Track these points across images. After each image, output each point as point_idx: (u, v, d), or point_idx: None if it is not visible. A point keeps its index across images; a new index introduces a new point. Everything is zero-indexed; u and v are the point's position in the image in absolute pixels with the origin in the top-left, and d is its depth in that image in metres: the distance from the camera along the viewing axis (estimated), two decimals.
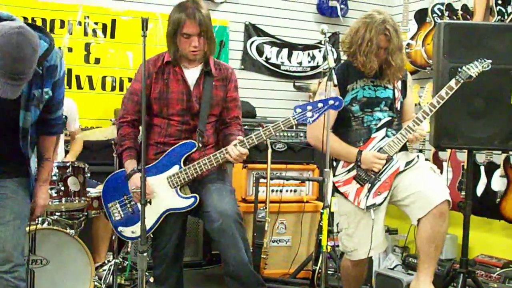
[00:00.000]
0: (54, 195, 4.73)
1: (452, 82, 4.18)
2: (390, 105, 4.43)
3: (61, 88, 3.64)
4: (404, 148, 4.40)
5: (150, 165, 4.19)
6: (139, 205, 4.12)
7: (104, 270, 5.41)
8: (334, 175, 4.41)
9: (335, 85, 3.91)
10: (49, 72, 3.43)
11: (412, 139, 4.32)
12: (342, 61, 4.50)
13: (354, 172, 4.33)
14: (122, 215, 4.33)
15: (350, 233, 4.40)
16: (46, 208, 4.53)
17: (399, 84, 4.48)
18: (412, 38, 6.68)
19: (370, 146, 4.33)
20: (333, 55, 7.49)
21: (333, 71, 3.90)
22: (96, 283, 4.89)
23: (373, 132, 4.38)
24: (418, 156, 4.43)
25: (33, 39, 3.05)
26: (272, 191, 5.92)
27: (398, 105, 4.47)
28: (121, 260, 5.60)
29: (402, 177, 4.29)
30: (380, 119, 4.39)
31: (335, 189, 4.38)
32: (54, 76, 3.48)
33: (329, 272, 5.46)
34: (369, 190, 4.29)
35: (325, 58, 7.52)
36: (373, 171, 4.26)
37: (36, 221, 4.52)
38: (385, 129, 4.37)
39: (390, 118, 4.41)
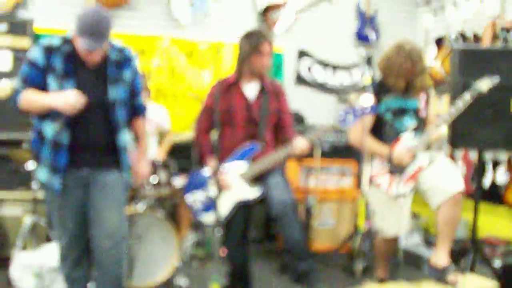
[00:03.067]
0: (147, 185, 4.83)
1: (467, 95, 4.23)
2: (416, 113, 4.46)
3: (138, 77, 3.70)
4: (427, 148, 4.43)
5: (223, 165, 4.23)
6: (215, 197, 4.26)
7: (186, 244, 5.55)
8: (370, 169, 4.49)
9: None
10: (127, 60, 3.56)
11: (433, 140, 4.38)
12: (378, 79, 4.55)
13: (386, 167, 4.38)
14: (202, 205, 4.37)
15: (381, 216, 4.46)
16: (142, 194, 4.69)
17: (423, 96, 4.50)
18: (432, 59, 6.68)
19: (399, 145, 4.36)
20: (368, 74, 7.49)
21: (368, 87, 4.02)
22: (180, 254, 4.88)
23: (402, 135, 4.42)
24: (438, 154, 4.47)
25: (106, 12, 3.28)
26: (319, 182, 6.01)
27: (423, 113, 4.49)
28: (199, 237, 5.75)
29: (425, 171, 4.31)
30: (407, 124, 4.42)
31: (371, 180, 4.46)
32: (131, 63, 3.59)
33: (365, 248, 5.52)
34: (399, 182, 4.33)
35: (362, 76, 7.61)
36: (402, 166, 4.32)
37: (133, 206, 4.64)
38: (412, 132, 4.41)
39: (416, 124, 4.44)
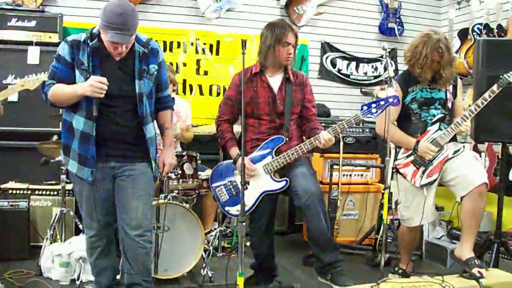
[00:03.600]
0: (173, 177, 4.84)
1: (495, 87, 4.16)
2: (442, 104, 4.43)
3: (164, 70, 3.72)
4: (453, 139, 4.40)
5: (248, 156, 4.23)
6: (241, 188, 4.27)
7: (211, 236, 5.52)
8: (396, 159, 4.46)
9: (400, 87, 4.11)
10: (153, 53, 3.57)
11: (459, 132, 4.34)
12: (403, 70, 4.51)
13: (412, 157, 4.36)
14: (228, 197, 4.36)
15: (407, 206, 4.43)
16: (168, 185, 4.70)
17: (450, 87, 4.48)
18: (456, 52, 6.56)
19: (426, 137, 4.34)
20: (392, 66, 7.44)
21: (392, 79, 3.99)
22: (205, 245, 4.92)
23: (429, 125, 4.40)
24: (464, 146, 4.45)
25: (132, 5, 3.30)
26: (343, 175, 5.96)
27: (449, 104, 4.47)
28: (224, 228, 5.75)
29: (450, 162, 4.30)
30: (434, 115, 4.41)
31: (396, 170, 4.45)
32: (157, 56, 3.60)
33: (388, 240, 5.49)
34: (423, 172, 4.32)
35: (385, 69, 7.55)
36: (426, 158, 4.29)
37: (160, 197, 4.64)
38: (438, 123, 4.39)
39: (442, 114, 4.42)
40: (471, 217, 4.14)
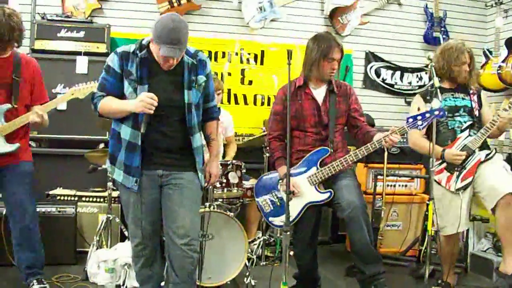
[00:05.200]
0: (218, 186, 4.84)
1: None
2: (468, 111, 4.51)
3: (211, 82, 3.75)
4: (484, 145, 4.45)
5: (293, 169, 4.22)
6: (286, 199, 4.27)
7: (255, 244, 5.55)
8: (431, 166, 4.41)
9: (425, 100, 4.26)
10: (201, 64, 3.60)
11: (495, 133, 4.42)
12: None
13: (444, 164, 4.41)
14: (272, 208, 4.39)
15: (441, 213, 4.40)
16: (213, 193, 4.72)
17: (475, 97, 4.55)
18: (503, 61, 6.47)
19: (457, 144, 4.43)
20: (436, 76, 7.34)
21: (437, 90, 3.97)
22: (249, 254, 4.90)
23: (458, 133, 4.47)
24: (496, 150, 4.51)
25: (183, 20, 3.33)
26: (387, 185, 5.91)
27: (476, 113, 4.52)
28: (268, 237, 5.76)
29: (482, 167, 4.35)
30: (461, 122, 4.48)
31: (431, 178, 4.41)
32: (205, 67, 3.63)
33: (432, 251, 5.40)
34: (457, 177, 4.37)
35: (430, 79, 7.44)
36: (456, 164, 4.36)
37: (205, 205, 4.64)
38: (468, 130, 4.46)
39: (471, 122, 4.48)
40: (506, 229, 4.11)
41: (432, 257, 4.35)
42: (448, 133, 4.47)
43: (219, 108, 3.98)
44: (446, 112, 4.36)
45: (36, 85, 4.31)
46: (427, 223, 4.03)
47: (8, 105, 4.13)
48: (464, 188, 4.35)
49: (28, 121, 4.16)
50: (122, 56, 3.46)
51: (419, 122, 3.93)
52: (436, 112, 3.90)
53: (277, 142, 4.42)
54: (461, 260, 5.26)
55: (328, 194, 4.18)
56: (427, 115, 3.92)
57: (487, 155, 4.39)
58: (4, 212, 4.81)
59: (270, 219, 4.41)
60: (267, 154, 5.41)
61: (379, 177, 5.75)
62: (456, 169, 4.39)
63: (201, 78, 3.60)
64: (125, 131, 3.47)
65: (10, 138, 4.17)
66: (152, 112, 3.31)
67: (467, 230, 5.49)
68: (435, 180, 4.45)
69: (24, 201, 4.24)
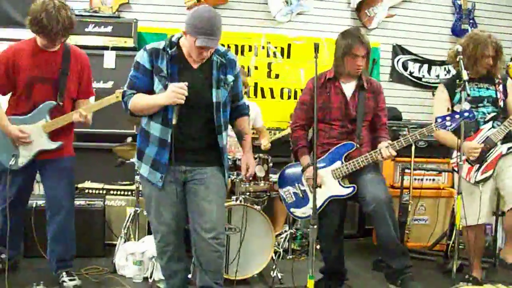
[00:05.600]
0: (245, 179, 4.81)
1: None
2: (492, 102, 4.47)
3: (240, 81, 3.76)
4: (508, 137, 4.41)
5: (318, 161, 4.20)
6: (308, 192, 4.25)
7: (282, 238, 5.55)
8: (451, 158, 4.59)
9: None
10: (230, 63, 3.60)
11: None
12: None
13: (465, 156, 4.35)
14: (294, 199, 4.39)
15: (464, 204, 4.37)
16: (240, 187, 4.76)
17: (500, 87, 4.50)
18: None
19: (479, 136, 4.42)
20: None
21: (466, 83, 3.93)
22: (275, 247, 4.89)
23: (481, 124, 4.45)
24: None
25: (217, 12, 3.40)
26: (415, 179, 5.86)
27: (501, 103, 4.48)
28: (294, 230, 5.77)
29: (503, 161, 4.37)
30: (484, 113, 4.46)
31: (452, 169, 4.58)
32: (233, 67, 3.63)
33: (460, 246, 5.36)
34: (478, 169, 4.39)
35: (458, 72, 7.37)
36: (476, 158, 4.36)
37: (231, 198, 4.70)
38: (491, 122, 4.43)
39: (494, 113, 4.45)
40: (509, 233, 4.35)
41: (459, 251, 4.32)
42: (470, 124, 4.37)
43: (248, 105, 3.99)
44: (470, 103, 4.32)
45: (84, 79, 4.37)
46: (455, 217, 4.00)
47: (53, 103, 4.18)
48: (484, 180, 4.37)
49: (71, 120, 4.23)
50: (152, 52, 3.46)
51: (448, 123, 3.93)
52: (466, 114, 3.90)
53: (301, 131, 4.42)
54: (490, 256, 5.20)
55: (352, 189, 4.18)
56: (457, 116, 3.92)
57: (509, 148, 4.38)
58: (34, 205, 4.90)
59: (292, 210, 4.43)
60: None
61: (406, 171, 5.71)
62: (477, 161, 4.38)
63: (230, 78, 3.60)
64: (155, 128, 3.48)
65: (53, 135, 4.24)
66: (183, 102, 3.31)
67: (496, 225, 5.43)
68: (456, 171, 4.45)
69: (62, 196, 4.31)
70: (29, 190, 4.48)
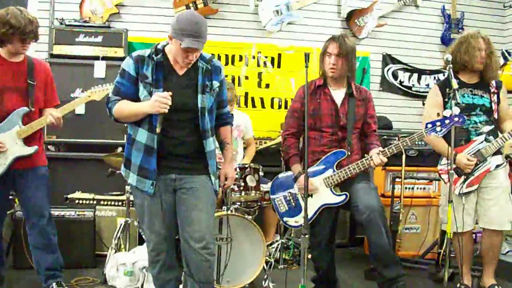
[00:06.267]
0: (236, 189, 4.83)
1: None
2: (485, 111, 4.46)
3: (225, 88, 3.77)
4: (497, 153, 4.42)
5: (309, 169, 4.19)
6: (301, 200, 4.24)
7: (273, 248, 5.53)
8: (439, 165, 4.56)
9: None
10: (215, 69, 3.62)
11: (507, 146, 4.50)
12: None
13: (454, 165, 4.30)
14: (287, 208, 4.36)
15: (446, 210, 4.33)
16: (231, 197, 4.73)
17: (495, 97, 4.48)
18: None
19: (471, 147, 4.40)
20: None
21: (456, 91, 3.92)
22: (266, 257, 4.89)
23: (472, 134, 4.44)
24: (507, 162, 4.53)
25: (202, 16, 3.45)
26: (406, 188, 5.84)
27: (495, 115, 4.48)
28: (286, 240, 5.74)
29: (489, 177, 4.40)
30: (476, 122, 4.44)
31: (439, 176, 4.57)
32: (219, 73, 3.65)
33: (451, 254, 5.36)
34: (464, 182, 4.39)
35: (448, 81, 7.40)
36: (465, 170, 4.37)
37: (222, 208, 4.65)
38: (485, 135, 4.40)
39: (487, 122, 4.45)
40: (488, 252, 4.51)
41: (451, 260, 4.32)
42: (462, 132, 4.40)
43: (232, 114, 3.99)
44: (463, 110, 4.25)
45: (49, 87, 4.38)
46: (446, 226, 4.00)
47: (26, 109, 4.18)
48: (468, 193, 4.42)
49: (46, 123, 4.23)
50: (137, 60, 3.47)
51: (438, 128, 3.92)
52: (456, 119, 3.88)
53: (292, 139, 4.40)
54: (480, 264, 5.20)
55: (344, 196, 4.16)
56: (447, 121, 3.90)
57: (498, 165, 4.41)
58: (23, 217, 4.86)
59: (285, 219, 4.40)
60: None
61: (397, 179, 5.70)
62: (464, 173, 4.39)
63: (215, 84, 3.61)
64: (142, 135, 3.47)
65: (27, 141, 4.22)
66: (166, 111, 3.31)
67: None
68: (442, 179, 4.51)
69: (43, 205, 4.28)
70: (5, 204, 4.46)
